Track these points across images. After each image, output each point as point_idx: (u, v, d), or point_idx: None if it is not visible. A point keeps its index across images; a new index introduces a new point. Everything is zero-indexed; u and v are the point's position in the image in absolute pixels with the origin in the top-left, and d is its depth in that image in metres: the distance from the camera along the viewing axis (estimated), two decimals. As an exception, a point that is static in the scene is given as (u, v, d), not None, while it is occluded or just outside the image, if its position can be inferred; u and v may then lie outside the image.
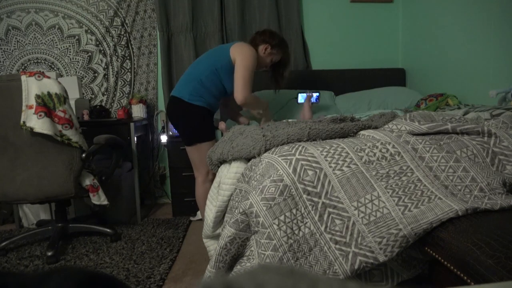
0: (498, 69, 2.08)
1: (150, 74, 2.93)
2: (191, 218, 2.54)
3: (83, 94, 2.89)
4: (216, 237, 1.46)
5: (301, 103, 2.30)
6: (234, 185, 1.27)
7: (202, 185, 1.99)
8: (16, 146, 1.83)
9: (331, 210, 0.93)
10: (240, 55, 1.86)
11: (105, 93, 2.91)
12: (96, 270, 0.29)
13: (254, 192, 0.99)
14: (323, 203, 0.94)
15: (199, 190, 2.00)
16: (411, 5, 2.91)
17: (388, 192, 0.92)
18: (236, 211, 1.02)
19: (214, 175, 1.55)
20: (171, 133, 2.66)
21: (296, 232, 0.93)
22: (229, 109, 2.28)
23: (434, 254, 0.81)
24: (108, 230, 2.17)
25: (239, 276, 0.22)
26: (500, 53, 2.05)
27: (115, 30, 2.86)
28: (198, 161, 1.95)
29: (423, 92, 2.74)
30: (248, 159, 1.27)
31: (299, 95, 2.32)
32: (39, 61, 2.84)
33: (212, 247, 1.48)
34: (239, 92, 1.84)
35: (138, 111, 2.75)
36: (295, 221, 0.94)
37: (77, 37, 2.85)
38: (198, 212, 2.55)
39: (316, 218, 0.94)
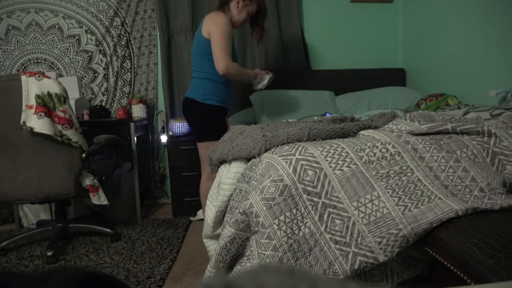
0: (498, 69, 2.08)
1: (150, 74, 2.93)
2: (191, 218, 2.54)
3: (83, 94, 2.89)
4: (216, 237, 1.45)
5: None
6: (234, 185, 1.27)
7: (205, 182, 2.03)
8: (16, 146, 1.83)
9: (331, 210, 0.93)
10: (211, 26, 1.84)
11: (105, 93, 2.90)
12: (96, 270, 0.29)
13: (254, 192, 0.99)
14: (323, 203, 0.94)
15: (202, 187, 2.05)
16: (411, 5, 2.91)
17: (388, 192, 0.92)
18: (236, 211, 1.02)
19: None
20: (171, 133, 2.66)
21: (296, 232, 0.93)
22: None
23: (434, 254, 0.81)
24: (108, 230, 2.17)
25: (239, 276, 0.22)
26: (500, 53, 2.05)
27: (115, 30, 2.86)
28: (205, 158, 1.99)
29: (423, 92, 2.74)
30: (248, 159, 1.27)
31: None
32: (39, 61, 2.84)
33: (212, 247, 1.48)
34: (219, 62, 1.81)
35: (138, 111, 2.75)
36: (295, 221, 0.94)
37: (77, 37, 2.85)
38: (198, 212, 2.56)
39: (316, 218, 0.94)
